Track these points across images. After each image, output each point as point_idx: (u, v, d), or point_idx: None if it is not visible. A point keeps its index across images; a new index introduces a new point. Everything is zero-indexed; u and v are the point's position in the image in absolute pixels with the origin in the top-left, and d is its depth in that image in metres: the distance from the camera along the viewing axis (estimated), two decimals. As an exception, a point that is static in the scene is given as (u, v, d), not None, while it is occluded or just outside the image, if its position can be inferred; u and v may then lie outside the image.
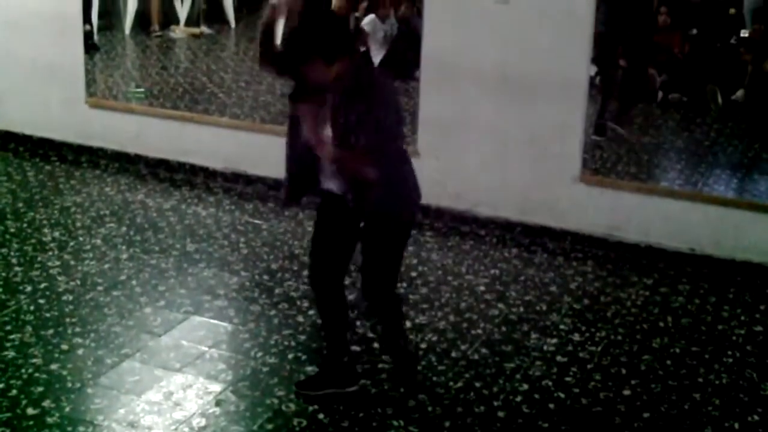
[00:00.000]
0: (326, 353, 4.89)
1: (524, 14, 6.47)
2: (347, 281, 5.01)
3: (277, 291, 5.94)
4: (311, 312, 5.66)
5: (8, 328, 5.34)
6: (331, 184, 4.47)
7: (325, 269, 4.66)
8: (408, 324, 5.45)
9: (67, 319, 5.47)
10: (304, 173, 4.55)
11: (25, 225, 6.76)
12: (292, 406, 4.72)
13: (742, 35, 10.08)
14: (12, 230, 6.66)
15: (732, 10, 10.49)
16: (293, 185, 4.62)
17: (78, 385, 4.82)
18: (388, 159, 4.36)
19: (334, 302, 4.73)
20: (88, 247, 6.44)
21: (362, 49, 4.07)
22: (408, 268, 6.23)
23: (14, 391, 4.73)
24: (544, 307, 5.89)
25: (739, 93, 9.37)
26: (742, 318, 5.85)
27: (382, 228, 4.55)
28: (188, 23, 12.03)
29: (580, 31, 6.43)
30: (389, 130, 4.33)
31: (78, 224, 6.81)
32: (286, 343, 5.32)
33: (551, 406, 4.84)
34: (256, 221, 7.00)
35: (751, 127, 8.98)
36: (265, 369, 5.05)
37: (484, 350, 5.34)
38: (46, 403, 4.64)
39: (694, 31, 9.95)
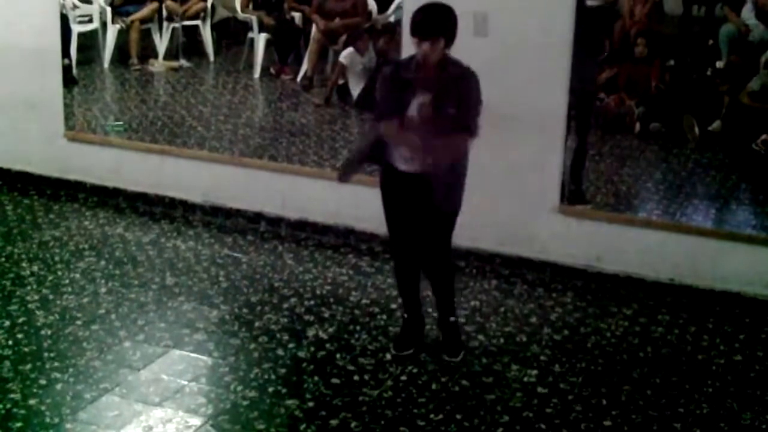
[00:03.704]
0: (405, 317, 5.69)
1: (503, 46, 6.51)
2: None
3: (256, 324, 5.92)
4: (291, 345, 5.65)
5: (-14, 363, 5.32)
6: (407, 166, 5.26)
7: (403, 239, 5.47)
8: (387, 356, 5.45)
9: (46, 354, 5.44)
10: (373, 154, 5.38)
11: (3, 259, 6.73)
12: (273, 440, 4.71)
13: (717, 66, 10.14)
14: (-10, 265, 6.64)
15: (710, 41, 10.56)
16: (358, 161, 5.53)
17: (57, 420, 4.80)
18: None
19: (411, 266, 5.56)
20: (67, 281, 6.41)
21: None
22: (387, 300, 6.24)
23: (-8, 427, 4.70)
24: (525, 339, 5.89)
25: (716, 124, 9.41)
26: (722, 348, 5.87)
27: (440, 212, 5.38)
28: (167, 57, 12.03)
29: (558, 62, 6.48)
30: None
31: (57, 258, 6.78)
32: (266, 376, 5.30)
33: (532, 437, 4.84)
34: (236, 254, 6.99)
35: (727, 157, 9.03)
36: (245, 403, 5.03)
37: (464, 382, 5.34)
38: (25, 439, 4.62)
39: (671, 62, 9.98)
